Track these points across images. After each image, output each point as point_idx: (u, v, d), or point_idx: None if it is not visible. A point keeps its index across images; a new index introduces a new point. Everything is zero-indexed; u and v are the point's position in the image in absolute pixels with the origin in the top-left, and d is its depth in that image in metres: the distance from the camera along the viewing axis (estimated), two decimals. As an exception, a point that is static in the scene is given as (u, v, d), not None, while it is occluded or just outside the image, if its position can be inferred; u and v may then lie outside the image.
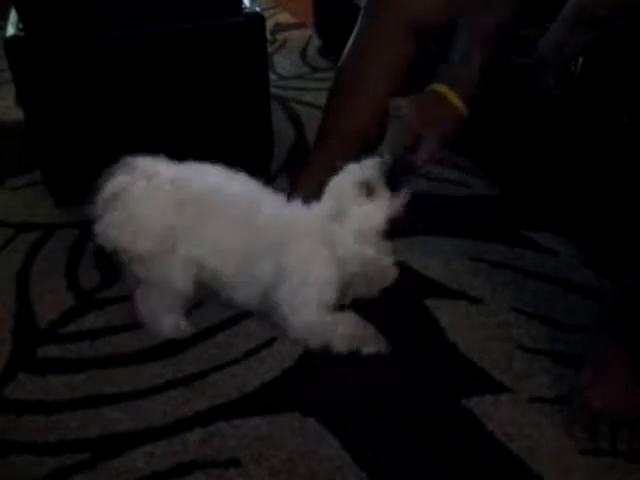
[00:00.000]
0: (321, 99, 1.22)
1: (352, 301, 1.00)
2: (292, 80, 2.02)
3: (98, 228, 0.89)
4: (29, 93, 1.25)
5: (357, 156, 1.17)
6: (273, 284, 0.93)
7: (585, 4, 0.87)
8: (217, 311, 1.04)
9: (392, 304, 1.05)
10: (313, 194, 1.13)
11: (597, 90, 1.02)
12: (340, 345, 0.93)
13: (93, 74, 1.25)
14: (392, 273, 0.98)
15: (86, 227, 1.26)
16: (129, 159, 0.91)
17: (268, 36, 2.27)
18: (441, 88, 0.96)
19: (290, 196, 1.05)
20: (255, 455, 0.80)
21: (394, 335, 0.96)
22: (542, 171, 1.22)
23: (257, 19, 1.32)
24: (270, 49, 2.27)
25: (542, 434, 0.81)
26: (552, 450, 0.79)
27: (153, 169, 0.92)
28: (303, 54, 2.25)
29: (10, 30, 1.20)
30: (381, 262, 0.94)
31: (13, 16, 1.24)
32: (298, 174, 1.20)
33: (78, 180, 1.34)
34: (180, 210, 0.91)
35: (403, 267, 1.12)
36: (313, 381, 0.91)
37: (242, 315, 1.03)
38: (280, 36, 2.43)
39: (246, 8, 1.31)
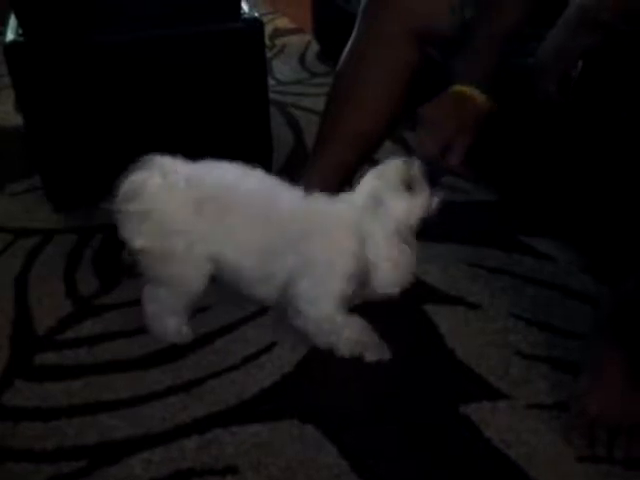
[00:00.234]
0: (320, 104, 1.22)
1: (354, 306, 1.00)
2: (291, 85, 2.02)
3: (120, 227, 0.89)
4: (28, 98, 1.25)
5: (357, 161, 1.18)
6: (294, 278, 0.92)
7: (588, 7, 0.87)
8: (216, 317, 1.04)
9: (391, 309, 1.05)
10: None
11: (596, 94, 1.03)
12: (344, 349, 0.93)
13: (92, 79, 1.25)
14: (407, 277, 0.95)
15: (85, 233, 1.28)
16: (148, 157, 0.92)
17: (267, 41, 2.28)
18: (462, 88, 0.96)
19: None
20: (253, 463, 0.79)
21: (393, 340, 0.96)
22: (540, 177, 1.22)
23: (256, 24, 1.32)
24: (269, 54, 2.28)
25: (540, 440, 0.81)
26: (550, 456, 0.79)
27: (171, 167, 0.92)
28: (302, 59, 2.25)
29: (10, 35, 1.20)
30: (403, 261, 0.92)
31: (13, 21, 1.25)
32: (297, 179, 1.20)
33: (77, 185, 1.35)
34: (198, 208, 0.91)
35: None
36: (312, 387, 0.91)
37: (240, 321, 1.03)
38: (279, 41, 2.43)
39: (245, 13, 1.32)
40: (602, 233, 1.09)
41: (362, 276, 0.92)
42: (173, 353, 0.97)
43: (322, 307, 0.92)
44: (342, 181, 1.16)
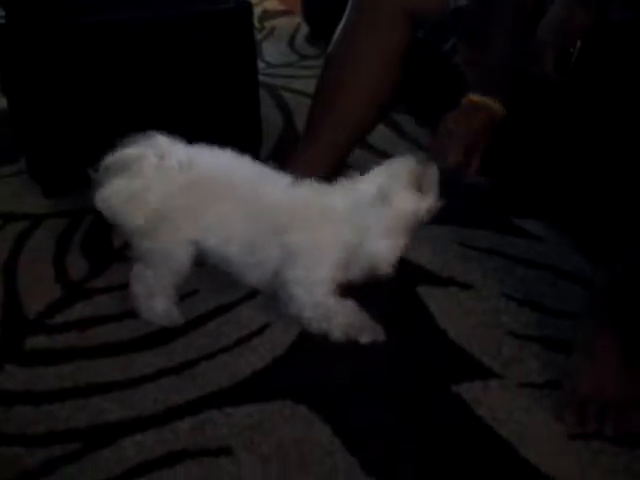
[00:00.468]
0: (310, 87, 1.21)
1: (342, 289, 1.00)
2: (281, 68, 2.00)
3: (100, 195, 0.89)
4: (13, 81, 1.23)
5: (348, 145, 1.17)
6: (284, 265, 0.92)
7: None
8: (207, 299, 1.03)
9: (383, 291, 1.05)
10: None
11: (592, 78, 1.02)
12: (338, 333, 0.93)
13: (78, 61, 1.24)
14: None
15: (74, 216, 1.27)
16: (144, 134, 0.91)
17: (256, 24, 2.26)
18: (476, 97, 0.98)
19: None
20: (246, 443, 0.80)
21: (385, 322, 0.96)
22: (533, 159, 1.22)
23: (245, 6, 1.31)
24: (258, 37, 2.26)
25: (531, 419, 0.82)
26: (541, 434, 0.80)
27: (167, 147, 0.92)
28: (291, 42, 2.23)
29: (-8, 17, 1.18)
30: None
31: (-5, 3, 1.22)
32: (287, 164, 1.19)
33: (64, 169, 1.33)
34: (186, 190, 0.90)
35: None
36: (304, 369, 0.91)
37: (233, 303, 1.02)
38: (268, 24, 2.41)
39: (233, -6, 1.30)
40: (594, 214, 1.09)
41: (354, 263, 0.92)
42: (165, 336, 0.96)
43: (314, 293, 0.92)
44: (334, 165, 1.16)
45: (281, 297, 0.95)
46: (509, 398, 0.85)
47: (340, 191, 0.95)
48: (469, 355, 0.92)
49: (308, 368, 0.91)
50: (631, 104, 0.95)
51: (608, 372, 0.81)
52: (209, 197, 0.92)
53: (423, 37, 1.13)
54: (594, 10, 0.91)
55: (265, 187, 0.94)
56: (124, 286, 1.05)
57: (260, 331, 0.97)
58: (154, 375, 0.90)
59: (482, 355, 0.92)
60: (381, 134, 1.50)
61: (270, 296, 0.98)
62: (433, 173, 0.93)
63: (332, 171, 1.16)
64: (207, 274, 1.01)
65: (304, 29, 2.29)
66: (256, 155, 1.44)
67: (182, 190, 0.91)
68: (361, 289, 1.01)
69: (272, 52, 2.14)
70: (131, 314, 1.00)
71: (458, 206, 1.27)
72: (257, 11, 2.40)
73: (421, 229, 1.17)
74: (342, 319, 0.93)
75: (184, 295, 1.02)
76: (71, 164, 1.32)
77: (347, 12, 1.12)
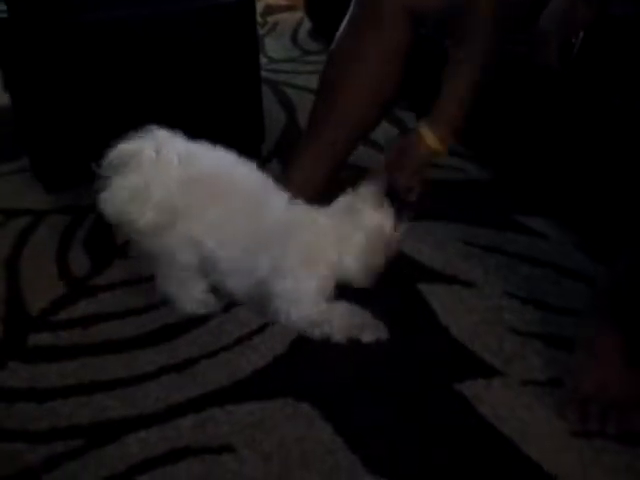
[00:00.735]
0: (312, 82, 1.21)
1: (346, 286, 1.00)
2: (283, 63, 2.00)
3: (102, 197, 0.88)
4: (15, 77, 1.23)
5: (351, 144, 1.16)
6: (269, 276, 0.93)
7: None
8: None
9: (385, 289, 1.05)
10: (305, 180, 1.12)
11: (594, 71, 1.02)
12: (338, 336, 0.93)
13: (81, 57, 1.23)
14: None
15: (76, 213, 1.27)
16: (146, 128, 0.91)
17: (258, 19, 2.25)
18: (422, 129, 1.02)
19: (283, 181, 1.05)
20: (248, 440, 0.80)
21: (387, 320, 0.96)
22: (535, 156, 1.21)
23: (247, 1, 1.30)
24: (261, 32, 2.25)
25: (533, 416, 0.82)
26: (543, 432, 0.80)
27: (167, 141, 0.91)
28: (294, 37, 2.23)
29: (-6, 13, 1.18)
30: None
31: (-3, -2, 1.22)
32: (289, 161, 1.19)
33: (66, 165, 1.33)
34: (187, 188, 0.90)
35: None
36: (306, 367, 0.91)
37: (234, 302, 1.02)
38: (271, 19, 2.40)
39: (236, -10, 1.30)
40: (596, 212, 1.09)
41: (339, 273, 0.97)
42: (167, 333, 0.97)
43: (302, 307, 0.93)
44: (335, 164, 1.16)
45: (269, 311, 0.96)
46: (511, 395, 0.85)
47: (325, 212, 0.98)
48: (471, 352, 0.92)
49: (309, 366, 0.91)
50: (634, 99, 0.95)
51: (610, 371, 0.81)
52: (208, 196, 0.91)
53: (425, 33, 1.12)
54: (596, 3, 0.90)
55: (266, 197, 0.95)
56: (127, 283, 1.05)
57: (261, 329, 0.97)
58: (156, 372, 0.90)
59: (484, 352, 0.92)
60: (385, 131, 1.49)
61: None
62: (381, 189, 0.99)
63: (333, 170, 1.16)
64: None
65: (307, 24, 2.28)
66: (259, 151, 1.45)
67: (181, 186, 0.90)
68: (362, 287, 1.01)
69: (275, 47, 2.14)
70: (134, 311, 1.00)
71: (460, 204, 1.27)
72: (259, 6, 2.39)
73: (423, 227, 1.17)
74: (340, 321, 0.94)
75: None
76: (73, 160, 1.32)
77: (350, 9, 1.11)
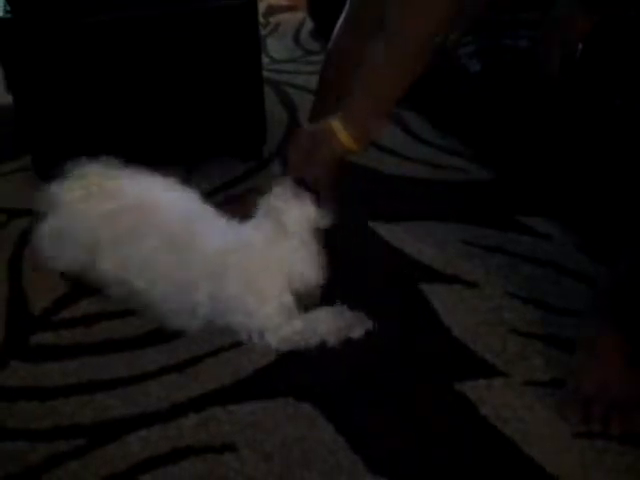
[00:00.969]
0: (314, 82, 1.20)
1: (345, 287, 1.00)
2: (285, 63, 2.00)
3: (33, 240, 0.87)
4: (18, 77, 1.23)
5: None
6: (217, 312, 0.91)
7: None
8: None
9: (387, 289, 1.05)
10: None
11: (596, 74, 1.02)
12: (331, 340, 0.93)
13: (83, 57, 1.24)
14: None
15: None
16: (72, 166, 0.88)
17: (260, 19, 2.25)
18: (335, 124, 0.89)
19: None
20: (250, 440, 0.80)
21: (389, 319, 0.96)
22: (537, 157, 1.21)
23: (249, 1, 1.30)
24: (263, 32, 2.25)
25: (535, 417, 0.82)
26: (545, 433, 0.80)
27: (93, 177, 0.88)
28: (296, 37, 2.23)
29: (-3, 12, 1.18)
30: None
31: (0, -2, 1.23)
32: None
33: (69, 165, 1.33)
34: (109, 222, 0.87)
35: (397, 252, 1.13)
36: (307, 366, 0.91)
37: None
38: (273, 19, 2.41)
39: (238, -10, 1.30)
40: (597, 212, 1.09)
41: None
42: (168, 333, 0.97)
43: (274, 334, 0.92)
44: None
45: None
46: (513, 396, 0.85)
47: (252, 224, 0.94)
48: (473, 352, 0.92)
49: (311, 366, 0.91)
50: (635, 100, 0.95)
51: (611, 371, 0.81)
52: (133, 231, 0.87)
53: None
54: (595, 14, 0.90)
55: (198, 226, 0.91)
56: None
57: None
58: (158, 372, 0.90)
59: (486, 353, 0.92)
60: (386, 129, 1.49)
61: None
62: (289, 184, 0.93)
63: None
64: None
65: (309, 24, 2.28)
66: (260, 152, 1.45)
67: (103, 222, 0.87)
68: (362, 286, 1.01)
69: (277, 47, 2.14)
70: (135, 311, 1.00)
71: (462, 204, 1.27)
72: (262, 6, 2.39)
73: (424, 227, 1.17)
74: (325, 328, 0.93)
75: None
76: (76, 159, 1.32)
77: (346, 8, 1.11)
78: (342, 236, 1.16)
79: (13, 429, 0.83)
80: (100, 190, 0.88)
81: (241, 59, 1.34)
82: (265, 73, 1.47)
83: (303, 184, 0.94)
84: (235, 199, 1.14)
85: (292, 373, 0.90)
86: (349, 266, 1.10)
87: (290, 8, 2.51)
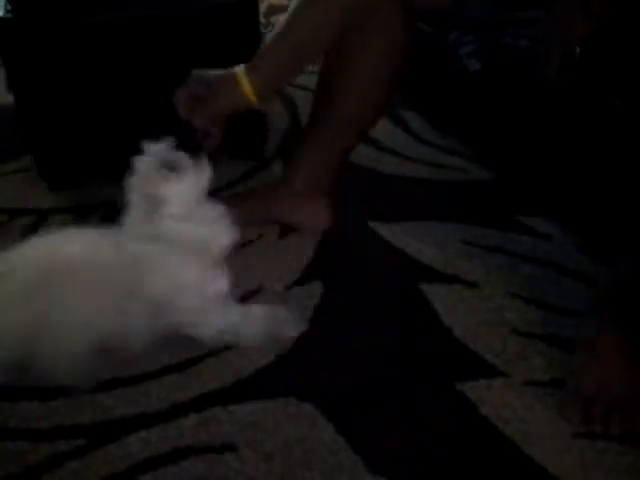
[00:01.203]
0: (315, 82, 1.20)
1: (345, 287, 1.00)
2: (286, 63, 1.99)
3: None
4: (19, 77, 1.23)
5: (350, 144, 1.16)
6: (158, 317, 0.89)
7: None
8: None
9: (387, 289, 1.05)
10: (308, 183, 1.11)
11: (595, 74, 1.02)
12: (259, 336, 0.92)
13: (84, 57, 1.24)
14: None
15: (80, 212, 1.27)
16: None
17: (261, 19, 2.25)
18: (239, 71, 0.92)
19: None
20: (250, 440, 0.80)
21: (389, 320, 0.96)
22: (537, 156, 1.21)
23: (250, 1, 1.30)
24: (264, 32, 2.25)
25: (536, 417, 0.82)
26: (546, 433, 0.80)
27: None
28: (297, 37, 2.22)
29: (-2, 12, 1.18)
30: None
31: (1, -2, 1.23)
32: (290, 162, 1.19)
33: (70, 164, 1.33)
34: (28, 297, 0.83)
35: (398, 252, 1.13)
36: (308, 367, 0.91)
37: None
38: (274, 19, 2.40)
39: (238, -10, 1.30)
40: (598, 213, 1.09)
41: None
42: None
43: (213, 324, 0.91)
44: (338, 163, 1.15)
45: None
46: (513, 396, 0.85)
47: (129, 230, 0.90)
48: (473, 353, 0.92)
49: (312, 366, 0.91)
50: (635, 100, 0.95)
51: (611, 371, 0.81)
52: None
53: (422, 28, 1.12)
54: (593, 17, 0.90)
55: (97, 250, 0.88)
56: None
57: (264, 328, 0.97)
58: (158, 372, 0.90)
59: (486, 353, 0.92)
60: (385, 130, 1.50)
61: (272, 295, 0.98)
62: (171, 153, 0.89)
63: (334, 171, 1.15)
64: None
65: (309, 24, 2.28)
66: (262, 152, 1.45)
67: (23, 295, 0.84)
68: (364, 287, 1.01)
69: (277, 47, 2.13)
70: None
71: (462, 204, 1.27)
72: (263, 6, 2.39)
73: (424, 227, 1.17)
74: (259, 326, 0.92)
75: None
76: (78, 159, 1.33)
77: None
78: (342, 236, 1.16)
79: (14, 429, 0.83)
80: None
81: (242, 59, 1.34)
82: (265, 73, 1.46)
83: (185, 137, 0.89)
84: (235, 200, 1.14)
85: (292, 373, 0.90)
86: (349, 266, 1.11)
87: (291, 8, 2.51)
